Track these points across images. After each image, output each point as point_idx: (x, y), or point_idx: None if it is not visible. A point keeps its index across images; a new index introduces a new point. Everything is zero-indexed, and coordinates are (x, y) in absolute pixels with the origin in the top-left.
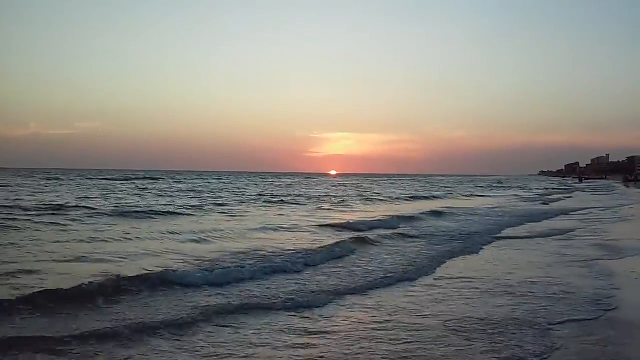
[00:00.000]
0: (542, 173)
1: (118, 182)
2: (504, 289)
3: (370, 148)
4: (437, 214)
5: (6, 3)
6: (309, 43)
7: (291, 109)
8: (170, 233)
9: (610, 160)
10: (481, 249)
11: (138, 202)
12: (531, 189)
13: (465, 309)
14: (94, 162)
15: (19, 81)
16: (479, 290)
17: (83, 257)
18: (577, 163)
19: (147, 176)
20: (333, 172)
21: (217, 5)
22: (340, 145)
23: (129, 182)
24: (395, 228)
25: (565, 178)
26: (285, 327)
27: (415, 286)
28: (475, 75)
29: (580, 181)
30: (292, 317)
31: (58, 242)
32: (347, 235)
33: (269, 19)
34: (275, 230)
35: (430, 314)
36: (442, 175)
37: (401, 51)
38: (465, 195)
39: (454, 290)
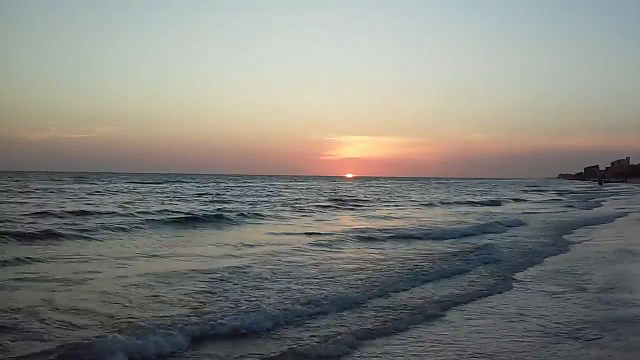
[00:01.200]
0: (562, 176)
1: (157, 185)
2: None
3: (386, 151)
4: (515, 221)
5: (26, 11)
6: (324, 46)
7: (306, 112)
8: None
9: (630, 163)
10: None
11: (201, 207)
12: (562, 192)
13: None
14: (112, 165)
15: (39, 86)
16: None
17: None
18: (597, 166)
19: (169, 180)
20: (349, 175)
21: (232, 9)
22: (355, 148)
23: (157, 185)
24: (471, 236)
25: (585, 181)
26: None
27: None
28: (492, 77)
29: (601, 184)
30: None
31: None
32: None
33: (283, 22)
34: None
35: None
36: (462, 179)
37: (417, 53)
38: (513, 199)
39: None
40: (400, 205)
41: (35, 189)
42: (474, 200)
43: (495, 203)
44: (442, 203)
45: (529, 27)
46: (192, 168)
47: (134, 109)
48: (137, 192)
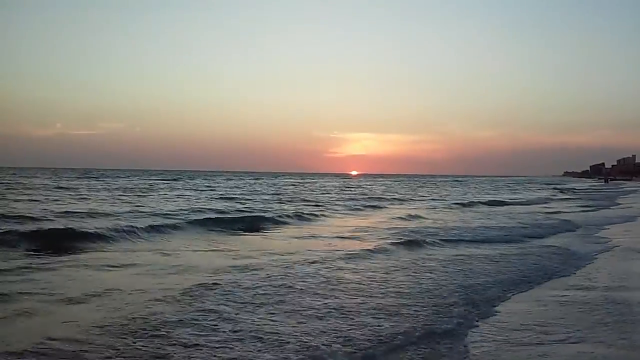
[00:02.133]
0: (567, 174)
1: (172, 182)
2: None
3: (392, 148)
4: (568, 222)
5: (32, 9)
6: (329, 44)
7: (312, 110)
8: None
9: (636, 162)
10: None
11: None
12: (576, 190)
13: None
14: (117, 162)
15: (45, 82)
16: None
17: None
18: (603, 164)
19: (180, 176)
20: (354, 173)
21: (237, 6)
22: (360, 145)
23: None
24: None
25: (591, 179)
26: None
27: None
28: (497, 74)
29: (606, 182)
30: None
31: None
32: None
33: (288, 20)
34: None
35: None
36: (469, 176)
37: (422, 50)
38: (538, 197)
39: None
40: (437, 206)
41: (54, 186)
42: (509, 199)
43: (535, 202)
44: (482, 203)
45: (535, 24)
46: (197, 165)
47: (140, 105)
48: (162, 189)
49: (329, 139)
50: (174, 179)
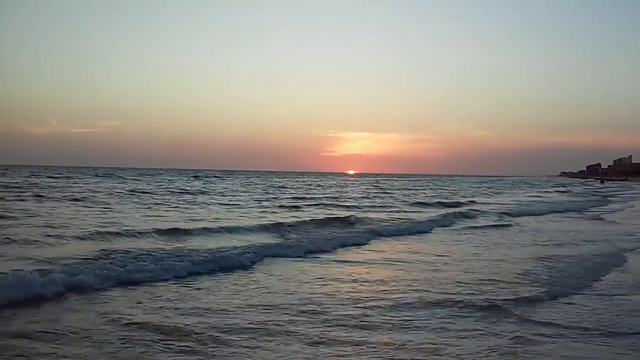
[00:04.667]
0: (563, 174)
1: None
2: None
3: (389, 147)
4: None
5: (30, 7)
6: (327, 43)
7: (308, 109)
8: None
9: (633, 162)
10: None
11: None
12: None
13: None
14: (115, 160)
15: (41, 80)
16: None
17: None
18: (599, 164)
19: (193, 175)
20: (351, 172)
21: (236, 5)
22: (357, 144)
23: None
24: None
25: (587, 179)
26: None
27: None
28: (494, 74)
29: (602, 182)
30: None
31: None
32: None
33: (286, 19)
34: None
35: None
36: (468, 176)
37: (420, 50)
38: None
39: None
40: (504, 210)
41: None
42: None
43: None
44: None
45: (531, 23)
46: (195, 164)
47: (137, 104)
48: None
49: (326, 137)
50: (195, 176)
